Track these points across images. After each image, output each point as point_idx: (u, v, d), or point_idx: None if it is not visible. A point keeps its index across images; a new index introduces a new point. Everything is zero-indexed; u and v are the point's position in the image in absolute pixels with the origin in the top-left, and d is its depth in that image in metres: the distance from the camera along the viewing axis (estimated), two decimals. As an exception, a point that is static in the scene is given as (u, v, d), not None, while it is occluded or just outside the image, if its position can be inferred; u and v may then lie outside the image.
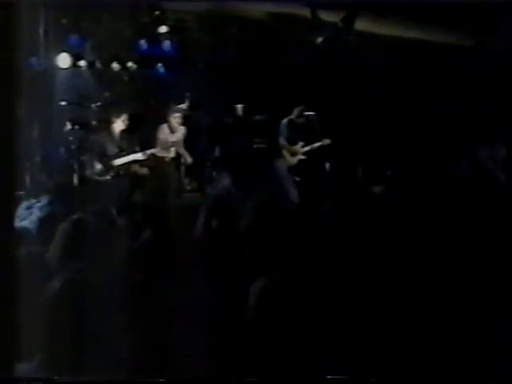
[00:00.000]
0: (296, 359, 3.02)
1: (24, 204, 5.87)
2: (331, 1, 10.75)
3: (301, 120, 10.20)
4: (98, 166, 8.97)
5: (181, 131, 9.79)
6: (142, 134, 9.76)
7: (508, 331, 3.45)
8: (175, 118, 9.71)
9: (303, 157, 10.16)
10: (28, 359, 2.95)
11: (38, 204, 5.86)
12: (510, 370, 3.29)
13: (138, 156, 9.12)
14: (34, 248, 4.14)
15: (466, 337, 3.44)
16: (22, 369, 2.95)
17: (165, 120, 9.70)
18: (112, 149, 9.07)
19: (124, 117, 9.25)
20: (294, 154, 10.21)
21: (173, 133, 9.73)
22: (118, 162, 9.00)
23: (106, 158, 8.94)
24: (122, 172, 8.97)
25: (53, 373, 2.83)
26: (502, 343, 3.42)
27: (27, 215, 5.60)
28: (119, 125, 9.20)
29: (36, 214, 5.50)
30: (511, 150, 7.51)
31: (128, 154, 9.07)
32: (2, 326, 3.30)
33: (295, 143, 10.20)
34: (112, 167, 8.91)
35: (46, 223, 4.75)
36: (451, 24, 9.91)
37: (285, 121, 10.24)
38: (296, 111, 10.17)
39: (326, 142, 10.09)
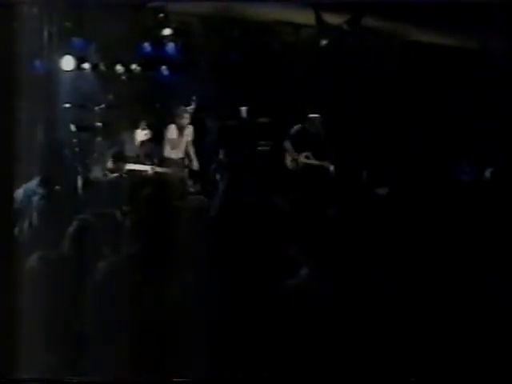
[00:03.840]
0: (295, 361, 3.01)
1: None
2: (336, 3, 10.74)
3: (313, 129, 10.00)
4: (106, 165, 9.05)
5: (189, 130, 9.79)
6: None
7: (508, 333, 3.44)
8: (183, 118, 9.69)
9: (302, 165, 9.99)
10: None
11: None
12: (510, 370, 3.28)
13: (147, 168, 9.20)
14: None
15: (467, 339, 3.43)
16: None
17: (172, 120, 9.71)
18: (130, 152, 9.21)
19: (143, 126, 9.37)
20: (294, 161, 10.08)
21: (181, 133, 9.73)
22: (129, 166, 9.07)
23: (120, 159, 9.03)
24: (125, 175, 9.01)
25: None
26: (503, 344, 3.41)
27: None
28: (140, 135, 9.33)
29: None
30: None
31: (141, 162, 9.18)
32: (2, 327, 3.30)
33: (301, 150, 10.04)
34: (121, 168, 8.97)
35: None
36: (456, 25, 9.89)
37: (297, 127, 10.06)
38: (311, 120, 9.95)
39: (327, 165, 9.87)
